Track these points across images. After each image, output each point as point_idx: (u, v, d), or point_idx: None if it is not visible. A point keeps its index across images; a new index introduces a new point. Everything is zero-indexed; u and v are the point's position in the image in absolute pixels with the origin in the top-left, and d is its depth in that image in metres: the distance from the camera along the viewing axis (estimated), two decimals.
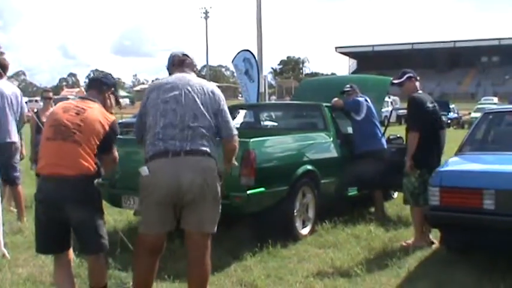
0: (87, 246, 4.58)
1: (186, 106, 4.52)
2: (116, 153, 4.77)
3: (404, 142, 7.57)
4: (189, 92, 4.57)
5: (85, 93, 4.98)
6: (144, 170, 4.50)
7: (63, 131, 4.45)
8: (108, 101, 4.84)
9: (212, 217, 4.62)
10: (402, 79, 7.37)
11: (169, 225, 4.61)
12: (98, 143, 4.49)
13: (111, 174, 4.84)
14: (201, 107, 4.55)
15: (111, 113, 4.80)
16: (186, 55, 4.92)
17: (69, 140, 4.41)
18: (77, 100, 4.80)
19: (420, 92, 7.37)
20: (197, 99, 4.55)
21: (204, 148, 4.51)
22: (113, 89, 4.90)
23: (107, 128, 4.54)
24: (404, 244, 7.01)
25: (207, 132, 4.54)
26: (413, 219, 7.27)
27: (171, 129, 4.47)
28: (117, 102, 5.01)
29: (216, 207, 4.65)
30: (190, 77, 4.73)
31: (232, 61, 17.64)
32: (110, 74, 5.03)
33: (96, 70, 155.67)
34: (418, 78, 7.44)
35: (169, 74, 4.87)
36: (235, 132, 4.76)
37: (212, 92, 4.66)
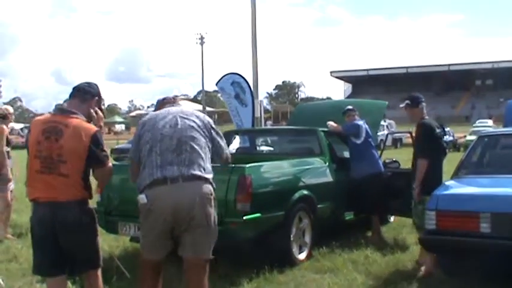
0: (83, 264, 4.59)
1: (182, 130, 4.61)
2: (110, 165, 4.63)
3: (411, 166, 7.47)
4: (184, 117, 4.70)
5: (65, 104, 4.77)
6: (142, 198, 4.54)
7: (48, 164, 4.42)
8: (93, 111, 4.68)
9: (209, 242, 4.66)
10: (414, 102, 7.25)
11: (168, 248, 4.68)
12: (84, 161, 4.45)
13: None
14: (197, 128, 4.66)
15: (100, 126, 4.66)
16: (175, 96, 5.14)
17: (55, 173, 4.41)
18: (56, 114, 4.61)
19: (427, 117, 7.30)
20: (192, 123, 4.67)
21: (201, 173, 4.57)
22: (97, 98, 4.73)
23: (88, 143, 4.41)
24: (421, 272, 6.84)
25: (203, 153, 4.63)
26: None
27: (169, 154, 4.53)
28: (101, 111, 4.80)
29: (213, 232, 4.68)
30: (183, 106, 4.94)
31: (217, 84, 17.32)
32: (95, 84, 4.79)
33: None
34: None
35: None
36: (228, 150, 5.02)
37: (204, 117, 4.82)
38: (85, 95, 4.66)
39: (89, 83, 4.77)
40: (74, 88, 4.72)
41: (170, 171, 4.49)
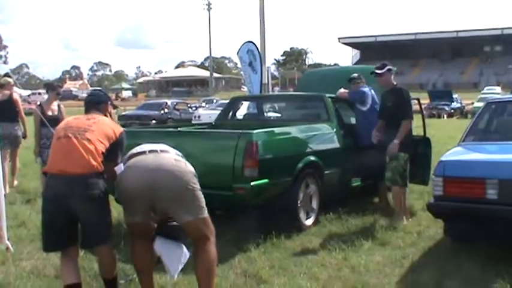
0: (95, 238, 4.62)
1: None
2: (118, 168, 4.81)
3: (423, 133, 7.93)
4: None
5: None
6: (120, 168, 4.63)
7: (75, 131, 4.60)
8: (108, 113, 5.10)
9: (198, 202, 4.64)
10: (383, 70, 7.96)
11: (149, 215, 4.69)
12: (107, 146, 4.59)
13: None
14: None
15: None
16: None
17: (80, 138, 4.53)
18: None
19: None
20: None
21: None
22: (109, 102, 5.17)
23: (117, 135, 4.69)
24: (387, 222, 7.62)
25: None
26: (394, 198, 7.98)
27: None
28: (114, 107, 5.40)
29: (197, 192, 4.64)
30: None
31: (238, 53, 17.72)
32: (100, 90, 5.21)
33: (100, 63, 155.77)
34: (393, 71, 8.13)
35: None
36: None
37: None
38: (98, 104, 5.03)
39: (94, 94, 5.25)
40: (86, 103, 5.07)
41: (148, 147, 4.71)
